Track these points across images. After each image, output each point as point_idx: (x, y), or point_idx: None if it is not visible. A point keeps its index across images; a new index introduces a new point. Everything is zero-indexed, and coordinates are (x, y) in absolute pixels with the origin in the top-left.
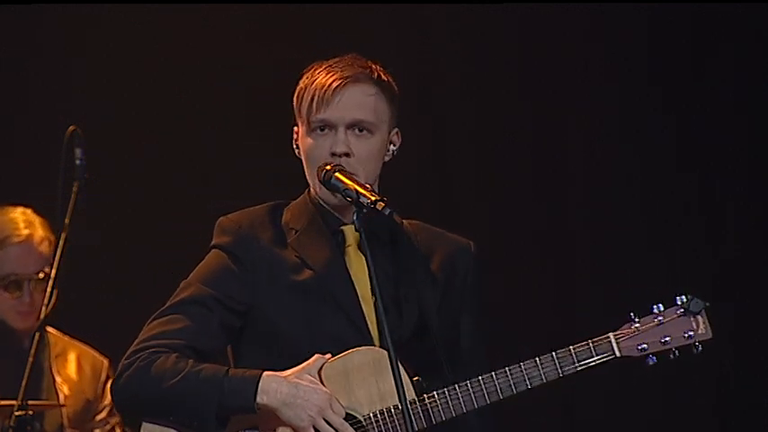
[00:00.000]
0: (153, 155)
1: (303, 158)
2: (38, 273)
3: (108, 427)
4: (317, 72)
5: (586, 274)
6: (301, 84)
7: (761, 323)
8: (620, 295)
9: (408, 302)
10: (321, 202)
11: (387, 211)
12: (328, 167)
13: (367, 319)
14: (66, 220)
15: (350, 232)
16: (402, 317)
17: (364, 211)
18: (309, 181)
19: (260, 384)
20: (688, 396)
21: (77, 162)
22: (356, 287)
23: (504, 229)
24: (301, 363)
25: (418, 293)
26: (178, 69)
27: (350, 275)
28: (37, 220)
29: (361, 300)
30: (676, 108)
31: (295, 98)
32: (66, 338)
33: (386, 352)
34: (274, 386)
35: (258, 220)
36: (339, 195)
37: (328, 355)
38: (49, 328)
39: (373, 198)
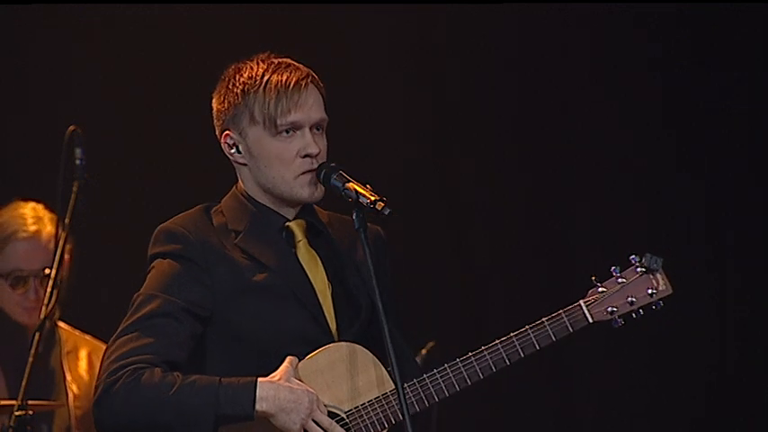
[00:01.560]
0: (153, 155)
1: (263, 161)
2: (44, 269)
3: None
4: (260, 74)
5: (584, 271)
6: (245, 86)
7: (761, 321)
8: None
9: (359, 292)
10: (260, 200)
11: (386, 211)
12: (328, 168)
13: (326, 313)
14: (67, 220)
15: (297, 228)
16: (360, 307)
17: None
18: (270, 180)
19: (257, 391)
20: (685, 395)
21: (77, 162)
22: (312, 282)
23: (503, 224)
24: (266, 363)
25: (363, 282)
26: (178, 69)
27: (305, 271)
28: (47, 216)
29: (318, 294)
30: (677, 105)
31: (239, 102)
32: (78, 333)
33: (358, 347)
34: (272, 393)
35: (201, 224)
36: (342, 195)
37: (294, 358)
38: (62, 324)
39: (373, 198)
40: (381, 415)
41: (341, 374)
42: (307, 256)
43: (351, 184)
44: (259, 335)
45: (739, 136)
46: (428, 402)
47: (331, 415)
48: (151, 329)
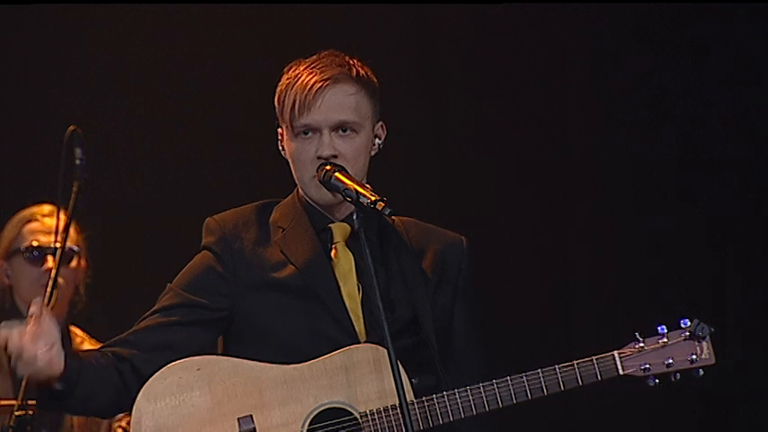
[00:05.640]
0: (153, 155)
1: (290, 161)
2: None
3: (115, 425)
4: (296, 74)
5: (588, 285)
6: (282, 86)
7: (761, 321)
8: (619, 304)
9: (399, 299)
10: (309, 200)
11: (387, 211)
12: (328, 168)
13: (351, 315)
14: (67, 221)
15: (337, 229)
16: (393, 314)
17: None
18: (297, 181)
19: None
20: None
21: (77, 162)
22: (340, 283)
23: (504, 235)
24: (283, 356)
25: (410, 290)
26: (178, 69)
27: (333, 272)
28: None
29: (345, 296)
30: (678, 116)
31: (276, 100)
32: (87, 339)
33: (385, 351)
34: None
35: (243, 220)
36: (339, 195)
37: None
38: (77, 330)
39: (373, 198)
40: (394, 424)
41: (362, 375)
42: (341, 259)
43: (351, 184)
44: (275, 330)
45: (739, 136)
46: (442, 420)
47: (344, 413)
48: (149, 324)
